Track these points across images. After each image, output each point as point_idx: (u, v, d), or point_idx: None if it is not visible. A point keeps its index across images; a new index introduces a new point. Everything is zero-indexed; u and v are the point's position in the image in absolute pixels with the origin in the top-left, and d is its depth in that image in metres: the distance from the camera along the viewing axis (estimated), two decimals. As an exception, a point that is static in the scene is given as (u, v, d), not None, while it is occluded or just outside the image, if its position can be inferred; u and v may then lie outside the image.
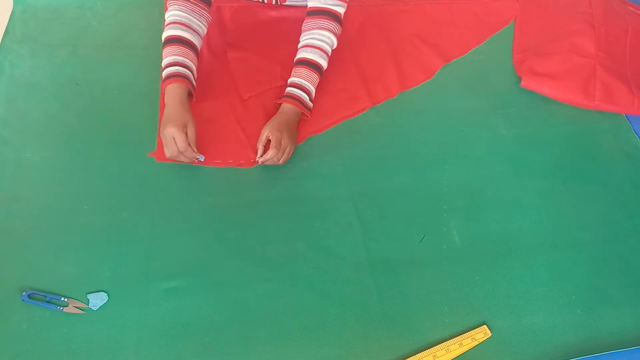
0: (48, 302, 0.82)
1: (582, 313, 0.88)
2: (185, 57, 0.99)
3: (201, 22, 1.03)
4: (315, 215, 0.95)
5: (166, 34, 1.00)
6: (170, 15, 1.00)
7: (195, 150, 0.95)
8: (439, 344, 0.82)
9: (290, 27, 1.19)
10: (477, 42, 1.26)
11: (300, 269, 0.89)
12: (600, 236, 0.97)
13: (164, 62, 0.99)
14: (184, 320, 0.83)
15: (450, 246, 0.93)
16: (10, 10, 1.19)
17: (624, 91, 1.13)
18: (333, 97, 1.11)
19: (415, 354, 0.81)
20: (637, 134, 1.12)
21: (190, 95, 1.00)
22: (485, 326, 0.85)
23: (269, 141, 0.98)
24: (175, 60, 0.98)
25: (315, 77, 1.06)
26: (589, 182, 1.04)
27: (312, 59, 1.06)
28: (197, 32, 1.02)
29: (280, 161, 0.98)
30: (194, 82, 1.01)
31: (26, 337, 0.79)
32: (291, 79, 1.06)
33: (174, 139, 0.91)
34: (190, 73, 0.99)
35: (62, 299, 0.82)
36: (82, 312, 0.82)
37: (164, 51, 0.99)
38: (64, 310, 0.81)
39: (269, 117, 1.03)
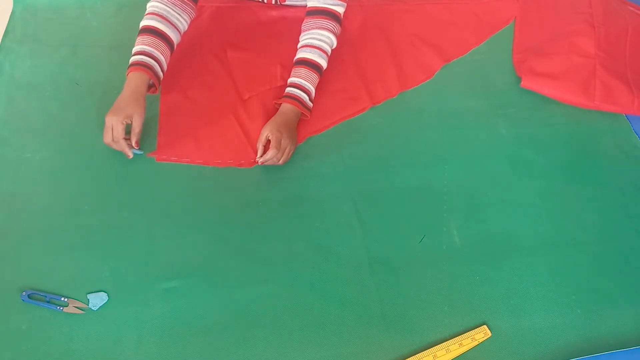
0: (48, 302, 0.82)
1: (582, 313, 0.88)
2: (154, 48, 0.99)
3: (181, 17, 1.04)
4: (315, 215, 0.95)
5: (142, 23, 1.01)
6: (151, 5, 1.02)
7: (135, 141, 0.96)
8: (439, 344, 0.82)
9: (290, 27, 1.19)
10: (477, 42, 1.26)
11: (300, 269, 0.89)
12: (600, 236, 0.97)
13: (134, 49, 1.00)
14: (184, 320, 0.83)
15: (450, 246, 0.93)
16: (10, 10, 1.19)
17: (624, 91, 1.13)
18: (333, 97, 1.11)
19: (415, 354, 0.81)
20: (637, 134, 1.12)
21: (153, 86, 1.01)
22: (485, 326, 0.85)
23: (268, 141, 0.98)
24: (143, 50, 0.98)
25: (315, 77, 1.06)
26: (589, 182, 1.04)
27: (311, 59, 1.06)
28: (174, 26, 1.03)
29: (280, 161, 0.98)
30: (160, 74, 1.01)
31: (26, 337, 0.79)
32: (291, 79, 1.06)
33: (112, 128, 0.93)
34: (155, 63, 0.99)
35: (62, 299, 0.82)
36: (82, 312, 0.82)
37: (137, 39, 1.00)
38: (64, 310, 0.81)
39: (269, 117, 1.03)
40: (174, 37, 1.03)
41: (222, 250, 0.90)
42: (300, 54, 1.07)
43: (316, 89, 1.07)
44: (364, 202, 0.97)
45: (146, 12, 1.02)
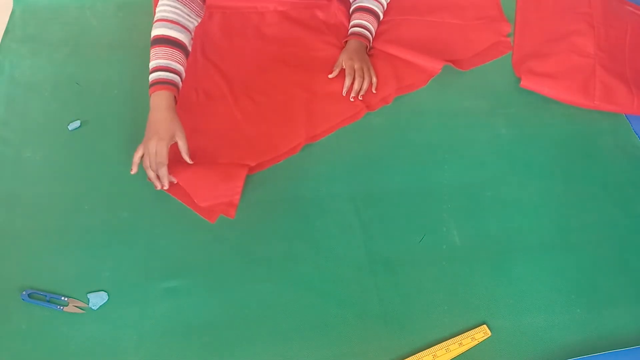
0: (48, 301, 0.82)
1: (582, 313, 0.88)
2: (172, 60, 0.95)
3: (191, 17, 1.00)
4: (315, 215, 0.95)
5: (153, 33, 0.96)
6: (161, 10, 0.97)
7: (189, 157, 0.92)
8: (439, 343, 0.82)
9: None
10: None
11: (300, 269, 0.89)
12: (600, 236, 0.97)
13: (151, 64, 0.95)
14: (184, 320, 0.83)
15: (450, 246, 0.93)
16: (10, 10, 1.19)
17: (624, 91, 1.13)
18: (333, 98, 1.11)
19: (415, 354, 0.81)
20: (637, 134, 1.12)
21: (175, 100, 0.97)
22: (485, 326, 0.85)
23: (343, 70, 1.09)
24: (161, 65, 0.94)
25: (376, 24, 1.17)
26: (589, 182, 1.04)
27: (372, 7, 1.17)
28: (185, 28, 0.98)
29: (372, 87, 1.10)
30: (181, 85, 0.97)
31: (26, 337, 0.79)
32: (356, 21, 1.16)
33: (156, 153, 0.88)
34: (177, 77, 0.96)
35: (62, 298, 0.82)
36: (82, 311, 0.82)
37: (151, 51, 0.96)
38: (64, 309, 0.81)
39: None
40: (187, 40, 0.99)
41: (221, 250, 0.90)
42: (361, 2, 1.17)
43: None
44: (364, 202, 0.97)
45: (157, 18, 0.97)
